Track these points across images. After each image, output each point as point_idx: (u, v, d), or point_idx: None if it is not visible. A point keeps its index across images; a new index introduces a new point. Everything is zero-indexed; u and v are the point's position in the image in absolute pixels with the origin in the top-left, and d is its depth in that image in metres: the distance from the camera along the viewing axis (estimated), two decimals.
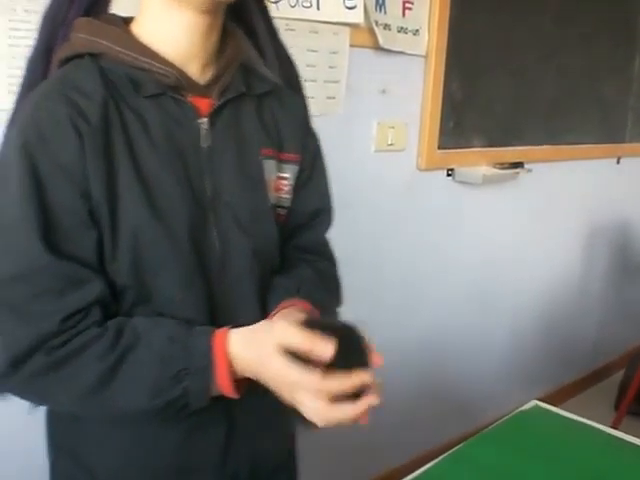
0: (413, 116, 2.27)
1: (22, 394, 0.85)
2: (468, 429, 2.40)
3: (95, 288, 0.83)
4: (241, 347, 0.83)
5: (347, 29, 1.94)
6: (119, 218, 0.83)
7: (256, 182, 0.95)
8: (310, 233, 1.06)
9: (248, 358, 0.83)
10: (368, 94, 2.09)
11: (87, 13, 0.90)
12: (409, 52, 2.15)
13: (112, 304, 0.86)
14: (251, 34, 1.01)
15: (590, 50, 2.95)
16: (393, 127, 2.18)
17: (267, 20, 1.02)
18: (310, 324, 0.81)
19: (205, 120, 0.90)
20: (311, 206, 1.05)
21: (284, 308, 0.93)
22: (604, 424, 1.44)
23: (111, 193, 0.82)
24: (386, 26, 2.04)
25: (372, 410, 0.80)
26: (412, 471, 1.21)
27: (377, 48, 2.04)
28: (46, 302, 0.80)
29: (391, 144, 2.19)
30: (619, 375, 3.38)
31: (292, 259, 1.04)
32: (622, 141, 3.34)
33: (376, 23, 2.00)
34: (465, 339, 2.71)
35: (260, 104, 0.99)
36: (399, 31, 2.09)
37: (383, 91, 2.13)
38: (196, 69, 0.91)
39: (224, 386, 0.83)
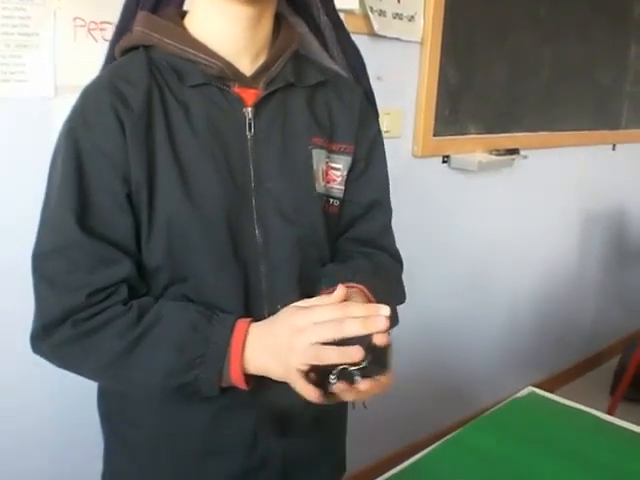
0: (409, 103, 2.26)
1: (50, 359, 0.91)
2: (463, 416, 2.41)
3: (124, 269, 0.87)
4: (258, 331, 0.85)
5: (342, 15, 1.91)
6: (156, 201, 0.87)
7: (302, 171, 0.95)
8: (366, 225, 1.06)
9: (263, 335, 0.85)
10: None
11: (155, 8, 0.94)
12: (404, 38, 2.14)
13: (141, 286, 0.90)
14: (314, 26, 1.03)
15: (586, 36, 2.94)
16: (389, 114, 2.17)
17: (330, 11, 1.04)
18: None
19: (250, 110, 0.92)
20: (366, 198, 1.05)
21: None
22: (599, 410, 1.44)
23: (150, 177, 0.86)
24: (381, 12, 2.03)
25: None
26: (408, 458, 1.22)
27: (372, 34, 2.03)
28: (76, 277, 0.85)
29: (387, 131, 2.18)
30: (615, 361, 3.40)
31: (347, 251, 1.03)
32: (618, 127, 3.34)
33: (371, 9, 1.99)
34: (461, 326, 2.72)
35: (313, 94, 0.99)
36: (394, 17, 2.08)
37: (378, 78, 2.12)
38: (247, 61, 0.93)
39: (236, 379, 0.85)
